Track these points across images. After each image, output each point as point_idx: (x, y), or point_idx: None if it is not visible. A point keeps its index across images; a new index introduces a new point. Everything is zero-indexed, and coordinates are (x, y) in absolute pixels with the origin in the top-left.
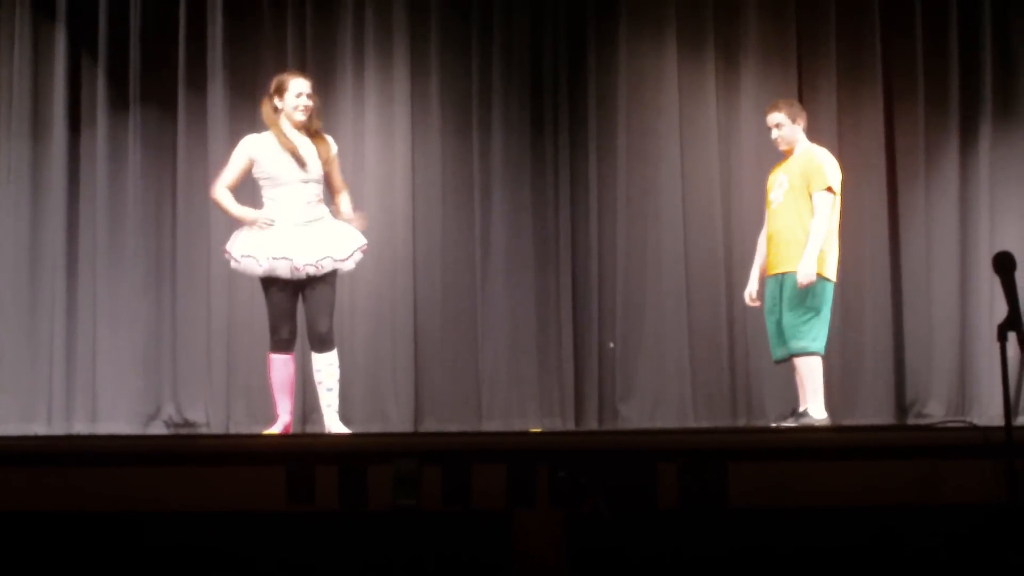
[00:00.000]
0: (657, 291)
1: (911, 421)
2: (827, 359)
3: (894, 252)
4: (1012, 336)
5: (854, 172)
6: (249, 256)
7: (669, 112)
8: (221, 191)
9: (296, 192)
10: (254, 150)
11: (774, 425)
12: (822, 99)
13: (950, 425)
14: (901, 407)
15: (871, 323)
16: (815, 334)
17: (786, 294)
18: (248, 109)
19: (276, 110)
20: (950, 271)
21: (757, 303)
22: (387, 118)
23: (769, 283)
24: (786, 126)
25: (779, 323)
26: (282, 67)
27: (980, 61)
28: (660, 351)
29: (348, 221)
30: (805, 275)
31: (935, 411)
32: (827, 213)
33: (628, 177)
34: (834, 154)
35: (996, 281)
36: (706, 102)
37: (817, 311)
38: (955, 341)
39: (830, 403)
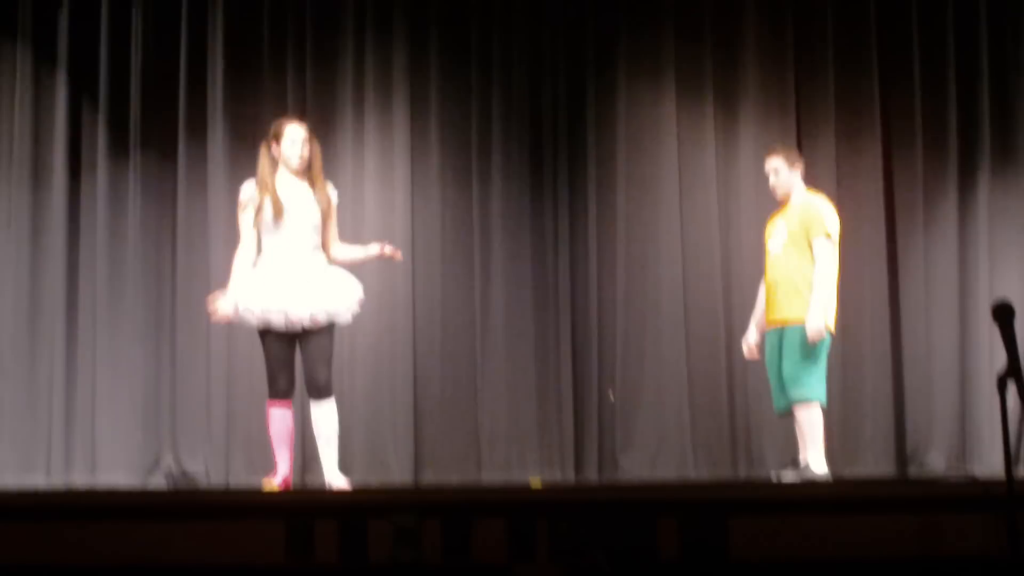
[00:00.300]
0: (656, 342)
1: (912, 471)
2: (827, 410)
3: (893, 301)
4: (1012, 386)
5: (853, 221)
6: (247, 308)
7: (668, 161)
8: (242, 256)
9: (293, 240)
10: (254, 194)
11: (773, 476)
12: (821, 147)
13: (951, 479)
14: (901, 457)
15: (871, 373)
16: (813, 382)
17: (786, 344)
18: (248, 156)
19: (273, 156)
20: (950, 320)
21: (755, 356)
22: (387, 167)
23: (770, 335)
24: (783, 171)
25: (777, 375)
26: (282, 114)
27: (978, 110)
28: (660, 402)
29: (371, 257)
30: (814, 330)
31: (936, 461)
32: (829, 261)
33: (627, 227)
34: (833, 202)
35: (996, 331)
36: (705, 151)
37: (815, 360)
38: (955, 391)
39: (830, 453)
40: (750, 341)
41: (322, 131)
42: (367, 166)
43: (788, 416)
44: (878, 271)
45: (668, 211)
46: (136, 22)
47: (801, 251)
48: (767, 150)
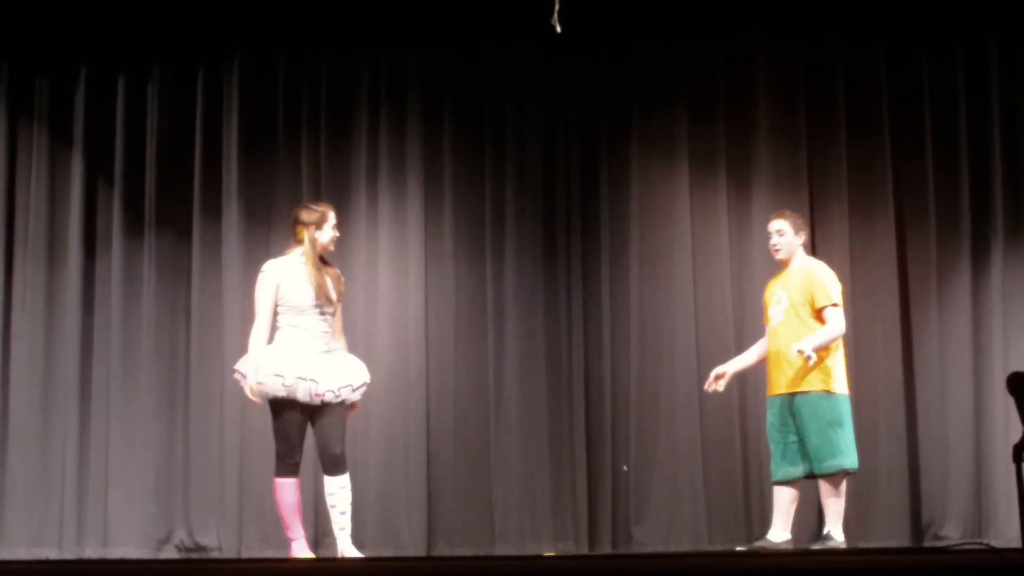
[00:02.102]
0: (670, 414)
1: (927, 543)
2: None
3: (907, 373)
4: None
5: (866, 293)
6: (277, 375)
7: (681, 236)
8: (260, 334)
9: (316, 321)
10: (280, 276)
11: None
12: (834, 220)
13: (967, 547)
14: (917, 529)
15: (885, 445)
16: (844, 448)
17: (804, 416)
18: (262, 234)
19: (312, 241)
20: (964, 392)
21: (716, 383)
22: (400, 246)
23: (774, 403)
24: (787, 234)
25: (789, 444)
26: (296, 193)
27: (991, 184)
28: (673, 474)
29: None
30: (801, 348)
31: (951, 533)
32: (838, 326)
33: (641, 301)
34: (846, 275)
35: (1010, 402)
36: (718, 226)
37: (840, 425)
38: (970, 462)
39: (845, 526)
40: (720, 370)
41: (336, 210)
42: (381, 245)
43: (786, 484)
44: (892, 344)
45: (682, 287)
46: (152, 102)
47: (802, 320)
48: (774, 213)
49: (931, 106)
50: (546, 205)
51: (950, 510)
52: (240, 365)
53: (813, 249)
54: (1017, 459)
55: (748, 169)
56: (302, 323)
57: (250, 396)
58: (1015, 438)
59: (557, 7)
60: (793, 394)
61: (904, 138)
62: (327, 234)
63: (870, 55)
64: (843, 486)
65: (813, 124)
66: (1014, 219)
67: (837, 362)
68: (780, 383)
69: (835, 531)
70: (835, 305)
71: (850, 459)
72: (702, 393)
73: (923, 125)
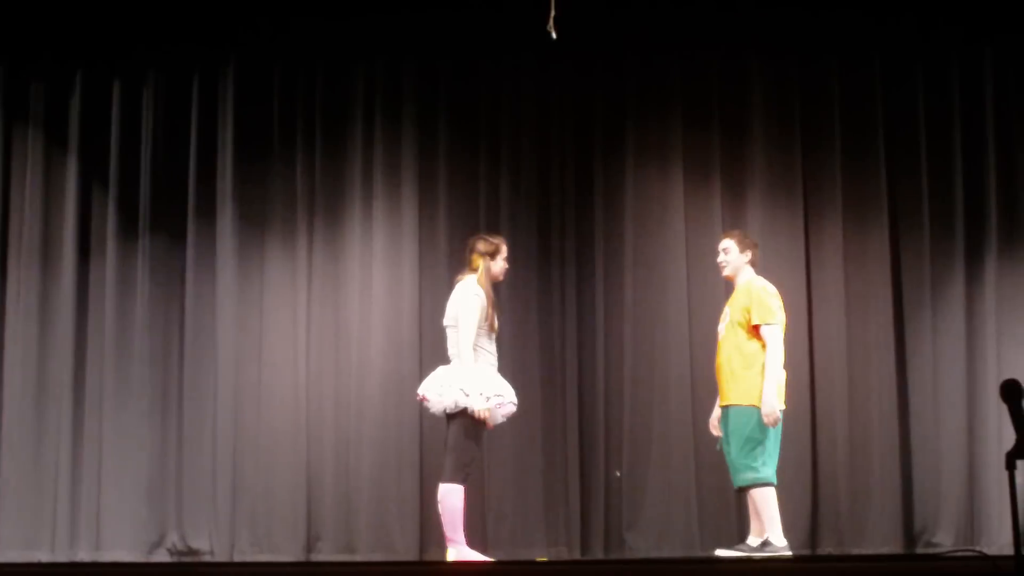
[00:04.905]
0: (663, 420)
1: (920, 550)
2: (835, 488)
3: (900, 380)
4: (1021, 464)
5: (860, 302)
6: (512, 403)
7: (676, 243)
8: (473, 356)
9: (494, 345)
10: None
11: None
12: (828, 228)
13: (959, 554)
14: (909, 536)
15: (879, 452)
16: (761, 463)
17: (730, 427)
18: (256, 239)
19: (487, 269)
20: (957, 400)
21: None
22: (395, 249)
23: (722, 416)
24: (732, 251)
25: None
26: (291, 199)
27: (984, 192)
28: (666, 480)
29: None
30: (768, 415)
31: (944, 540)
32: (778, 346)
33: (635, 307)
34: (840, 284)
35: (1004, 409)
36: (712, 234)
37: (761, 441)
38: (963, 470)
39: (838, 532)
40: (713, 419)
41: (331, 216)
42: (375, 250)
43: (742, 492)
44: (885, 352)
45: (676, 293)
46: (147, 107)
47: (738, 335)
48: (724, 232)
49: (925, 116)
50: (540, 211)
51: (943, 517)
52: (462, 385)
53: (807, 256)
54: (1010, 466)
55: (742, 177)
56: (487, 346)
57: (480, 415)
58: (1008, 445)
59: (553, 14)
60: (729, 407)
61: (898, 147)
62: (499, 265)
63: (865, 65)
64: (768, 496)
65: (808, 132)
66: (1007, 227)
67: (770, 376)
68: (721, 396)
69: (774, 537)
70: (769, 324)
71: (764, 473)
72: (695, 400)
73: (918, 134)
